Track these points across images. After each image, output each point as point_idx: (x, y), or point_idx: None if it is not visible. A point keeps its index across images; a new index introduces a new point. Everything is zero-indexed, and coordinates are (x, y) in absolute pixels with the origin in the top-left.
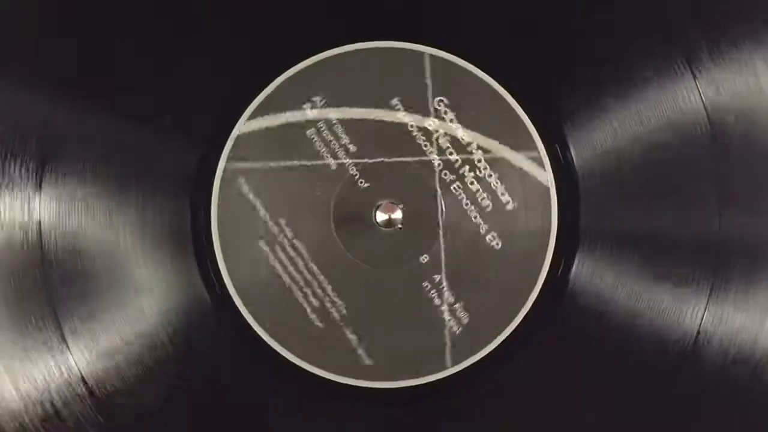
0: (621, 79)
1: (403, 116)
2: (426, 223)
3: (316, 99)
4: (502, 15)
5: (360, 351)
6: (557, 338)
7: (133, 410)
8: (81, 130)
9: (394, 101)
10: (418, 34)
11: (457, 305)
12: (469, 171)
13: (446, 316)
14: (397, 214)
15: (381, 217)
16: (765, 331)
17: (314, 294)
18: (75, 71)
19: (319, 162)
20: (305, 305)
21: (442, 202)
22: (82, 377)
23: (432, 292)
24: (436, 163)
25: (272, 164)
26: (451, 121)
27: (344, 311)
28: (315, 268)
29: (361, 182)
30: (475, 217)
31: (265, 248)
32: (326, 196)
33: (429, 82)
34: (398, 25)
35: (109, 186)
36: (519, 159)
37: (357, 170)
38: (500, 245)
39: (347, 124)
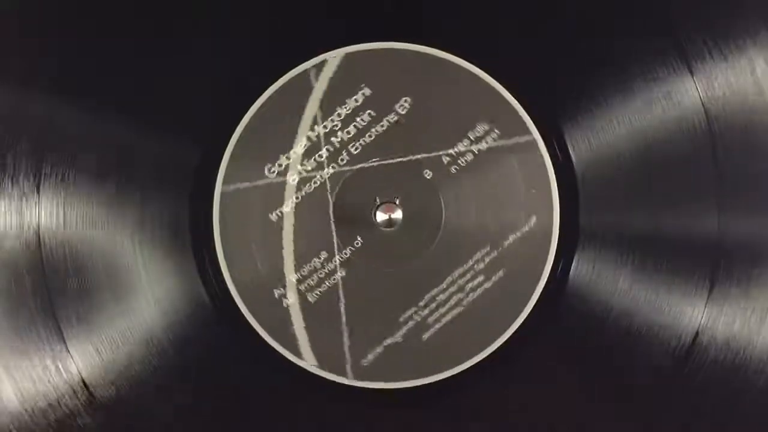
0: (621, 78)
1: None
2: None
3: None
4: (501, 14)
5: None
6: (557, 338)
7: (133, 411)
8: (81, 130)
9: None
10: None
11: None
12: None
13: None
14: (398, 214)
15: (381, 217)
16: (765, 331)
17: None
18: (75, 71)
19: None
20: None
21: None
22: (82, 378)
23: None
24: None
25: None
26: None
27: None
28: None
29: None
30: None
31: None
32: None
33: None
34: (398, 25)
35: (109, 186)
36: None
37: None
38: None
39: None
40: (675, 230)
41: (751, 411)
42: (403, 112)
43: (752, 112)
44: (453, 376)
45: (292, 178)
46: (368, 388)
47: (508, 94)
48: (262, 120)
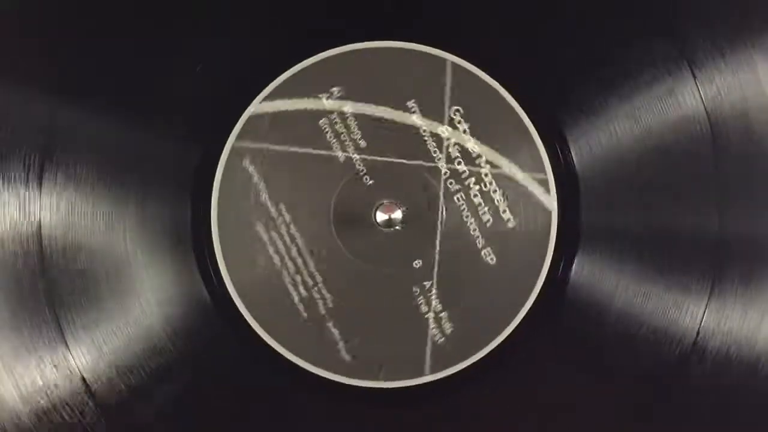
0: (621, 79)
1: (416, 119)
2: (425, 227)
3: (335, 90)
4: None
5: (340, 346)
6: (557, 338)
7: (133, 410)
8: (81, 130)
9: (411, 103)
10: (445, 40)
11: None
12: (475, 183)
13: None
14: (397, 214)
15: (381, 217)
16: (765, 331)
17: (304, 285)
18: (75, 71)
19: (328, 152)
20: (296, 299)
21: (444, 209)
22: (83, 377)
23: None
24: (443, 170)
25: (279, 148)
26: (464, 132)
27: (330, 305)
28: (310, 261)
29: (366, 178)
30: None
31: (264, 235)
32: (330, 186)
33: (448, 89)
34: (427, 29)
35: (109, 186)
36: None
37: (364, 166)
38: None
39: (361, 119)
40: (675, 230)
41: (751, 411)
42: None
43: (753, 112)
44: (453, 375)
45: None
46: (369, 388)
47: (508, 95)
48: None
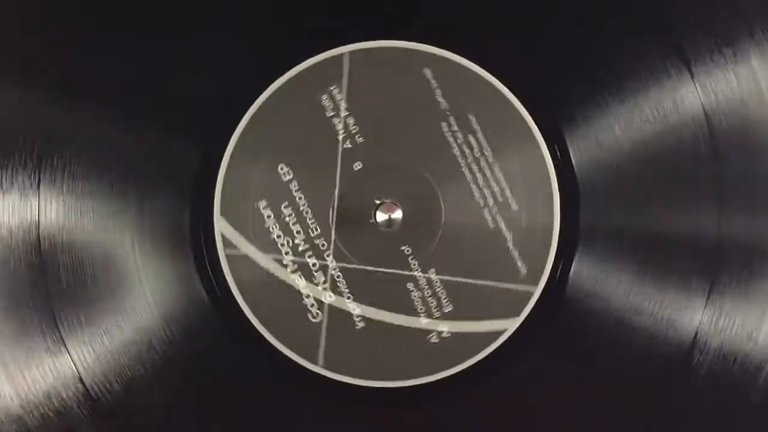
0: (621, 79)
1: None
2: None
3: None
4: (502, 15)
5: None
6: (557, 338)
7: (133, 411)
8: (80, 130)
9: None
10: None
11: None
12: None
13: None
14: (397, 214)
15: (381, 216)
16: (764, 331)
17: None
18: (75, 71)
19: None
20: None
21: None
22: (81, 378)
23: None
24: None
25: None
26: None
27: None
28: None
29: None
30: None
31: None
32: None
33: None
34: (427, 29)
35: (109, 186)
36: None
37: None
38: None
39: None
40: (675, 230)
41: (751, 411)
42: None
43: (752, 113)
44: (453, 375)
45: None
46: (368, 387)
47: (510, 94)
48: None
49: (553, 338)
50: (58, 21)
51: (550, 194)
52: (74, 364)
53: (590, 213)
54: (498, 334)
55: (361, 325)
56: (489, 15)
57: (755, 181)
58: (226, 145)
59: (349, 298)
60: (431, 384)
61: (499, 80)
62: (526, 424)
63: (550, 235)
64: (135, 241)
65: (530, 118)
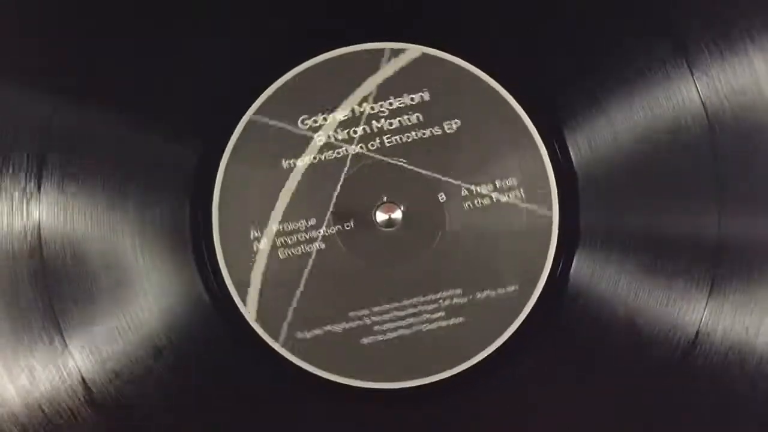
0: (621, 78)
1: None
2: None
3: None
4: (503, 15)
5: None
6: (557, 338)
7: (133, 411)
8: (81, 130)
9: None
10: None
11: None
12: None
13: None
14: (397, 214)
15: (381, 216)
16: (765, 331)
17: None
18: (75, 71)
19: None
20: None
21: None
22: (82, 378)
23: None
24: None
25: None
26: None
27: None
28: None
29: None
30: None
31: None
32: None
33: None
34: (427, 29)
35: (109, 186)
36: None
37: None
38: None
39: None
40: (675, 230)
41: (752, 411)
42: (449, 132)
43: (752, 111)
44: (453, 375)
45: (320, 139)
46: (368, 389)
47: (509, 95)
48: (316, 75)
49: (553, 338)
50: (58, 21)
51: (549, 194)
52: (76, 364)
53: (590, 213)
54: (498, 333)
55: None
56: (488, 15)
57: (755, 180)
58: (226, 145)
59: None
60: (431, 384)
61: (499, 81)
62: (526, 424)
63: (550, 235)
64: (135, 241)
65: (528, 118)
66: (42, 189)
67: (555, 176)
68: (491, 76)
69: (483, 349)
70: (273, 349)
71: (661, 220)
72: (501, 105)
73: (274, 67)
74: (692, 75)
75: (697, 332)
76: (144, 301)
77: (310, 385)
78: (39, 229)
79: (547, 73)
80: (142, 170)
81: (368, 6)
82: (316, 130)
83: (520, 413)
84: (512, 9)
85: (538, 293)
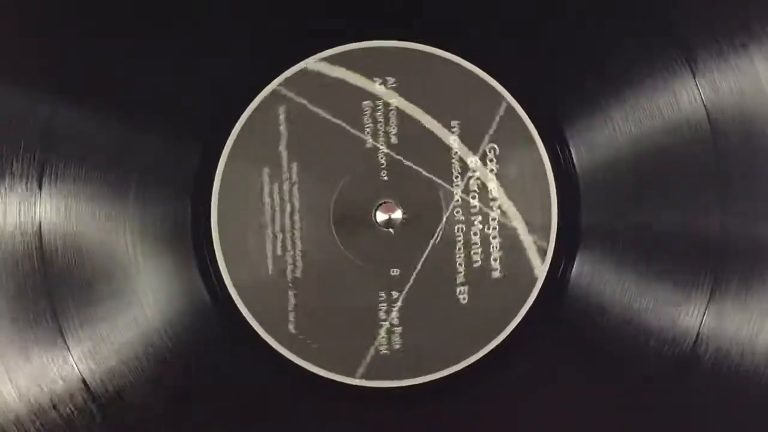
0: (621, 79)
1: (453, 141)
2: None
3: (390, 80)
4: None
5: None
6: (557, 338)
7: (133, 411)
8: (81, 130)
9: (454, 123)
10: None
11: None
12: (480, 222)
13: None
14: (397, 215)
15: (381, 216)
16: (765, 332)
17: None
18: (75, 71)
19: (358, 133)
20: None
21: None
22: (82, 378)
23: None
24: (456, 197)
25: (315, 109)
26: (491, 171)
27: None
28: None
29: (383, 174)
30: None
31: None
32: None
33: (494, 124)
34: (427, 29)
35: (109, 186)
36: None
37: (385, 161)
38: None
39: (403, 116)
40: (676, 231)
41: (752, 412)
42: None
43: (754, 112)
44: (453, 375)
45: None
46: (369, 388)
47: (508, 94)
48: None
49: (553, 338)
50: (58, 21)
51: (549, 194)
52: (76, 364)
53: (590, 213)
54: (498, 333)
55: None
56: (488, 15)
57: (756, 181)
58: (226, 145)
59: None
60: (431, 384)
61: (498, 81)
62: (526, 424)
63: (550, 235)
64: (135, 241)
65: (528, 118)
66: (42, 188)
67: (554, 177)
68: (493, 75)
69: (483, 349)
70: (273, 349)
71: (662, 220)
72: (501, 105)
73: (274, 67)
74: (693, 75)
75: (698, 333)
76: (144, 300)
77: (310, 385)
78: (39, 228)
79: (547, 73)
80: (142, 169)
81: (368, 6)
82: None
83: (520, 413)
84: (512, 9)
85: (538, 293)
